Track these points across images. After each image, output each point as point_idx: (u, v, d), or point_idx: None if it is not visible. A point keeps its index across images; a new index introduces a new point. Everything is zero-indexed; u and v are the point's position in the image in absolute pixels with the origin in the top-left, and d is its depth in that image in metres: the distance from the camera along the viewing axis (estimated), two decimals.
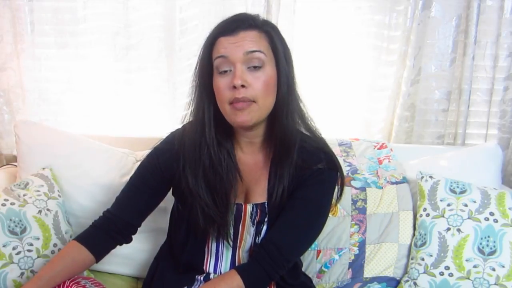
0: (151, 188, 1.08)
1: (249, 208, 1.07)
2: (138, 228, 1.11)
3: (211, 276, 1.11)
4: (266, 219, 1.06)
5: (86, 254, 1.03)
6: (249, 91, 0.94)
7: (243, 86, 0.93)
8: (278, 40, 0.99)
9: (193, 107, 1.03)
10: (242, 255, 1.10)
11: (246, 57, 0.94)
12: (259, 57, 0.95)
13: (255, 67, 0.95)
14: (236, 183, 1.05)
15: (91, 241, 1.05)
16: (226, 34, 0.95)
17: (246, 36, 0.95)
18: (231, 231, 1.07)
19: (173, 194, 1.13)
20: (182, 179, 1.03)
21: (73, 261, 1.01)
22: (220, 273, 1.10)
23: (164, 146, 1.08)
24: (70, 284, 0.96)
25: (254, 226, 1.07)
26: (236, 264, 1.10)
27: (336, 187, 1.09)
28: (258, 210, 1.06)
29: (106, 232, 1.06)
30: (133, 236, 1.12)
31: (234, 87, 0.93)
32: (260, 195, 1.07)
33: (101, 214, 1.09)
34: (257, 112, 0.96)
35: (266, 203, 1.06)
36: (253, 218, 1.07)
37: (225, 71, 0.95)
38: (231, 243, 1.08)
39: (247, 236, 1.08)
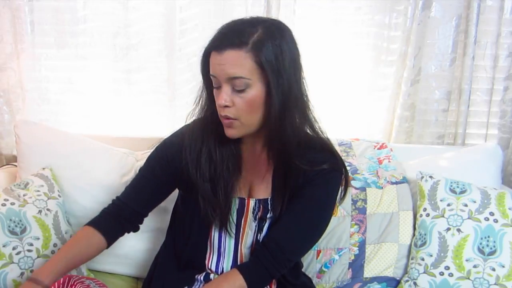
0: (158, 178, 1.10)
1: (252, 203, 1.07)
2: (139, 227, 1.14)
3: (211, 276, 1.11)
4: (268, 216, 1.07)
5: (100, 238, 1.06)
6: (232, 111, 0.95)
7: (226, 106, 0.95)
8: (272, 53, 0.91)
9: (201, 105, 1.05)
10: (244, 251, 1.10)
11: (230, 81, 0.93)
12: (241, 83, 0.93)
13: (238, 90, 0.94)
14: (236, 174, 1.06)
15: (104, 226, 1.08)
16: (215, 50, 0.93)
17: (229, 57, 0.91)
18: (234, 220, 1.07)
19: (178, 187, 1.15)
20: (185, 167, 1.05)
21: (88, 244, 1.05)
22: (222, 270, 1.11)
23: (173, 139, 1.10)
24: (75, 283, 0.96)
25: (256, 222, 1.08)
26: (238, 261, 1.11)
27: (340, 187, 1.09)
28: (261, 206, 1.07)
29: (116, 218, 1.10)
30: (135, 233, 1.14)
31: None
32: (264, 191, 1.07)
33: (111, 202, 1.12)
34: (241, 127, 0.98)
35: (269, 200, 1.07)
36: (255, 213, 1.07)
37: (218, 87, 0.96)
38: (233, 234, 1.09)
39: (249, 231, 1.09)
